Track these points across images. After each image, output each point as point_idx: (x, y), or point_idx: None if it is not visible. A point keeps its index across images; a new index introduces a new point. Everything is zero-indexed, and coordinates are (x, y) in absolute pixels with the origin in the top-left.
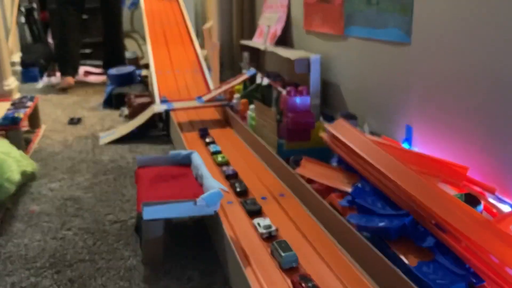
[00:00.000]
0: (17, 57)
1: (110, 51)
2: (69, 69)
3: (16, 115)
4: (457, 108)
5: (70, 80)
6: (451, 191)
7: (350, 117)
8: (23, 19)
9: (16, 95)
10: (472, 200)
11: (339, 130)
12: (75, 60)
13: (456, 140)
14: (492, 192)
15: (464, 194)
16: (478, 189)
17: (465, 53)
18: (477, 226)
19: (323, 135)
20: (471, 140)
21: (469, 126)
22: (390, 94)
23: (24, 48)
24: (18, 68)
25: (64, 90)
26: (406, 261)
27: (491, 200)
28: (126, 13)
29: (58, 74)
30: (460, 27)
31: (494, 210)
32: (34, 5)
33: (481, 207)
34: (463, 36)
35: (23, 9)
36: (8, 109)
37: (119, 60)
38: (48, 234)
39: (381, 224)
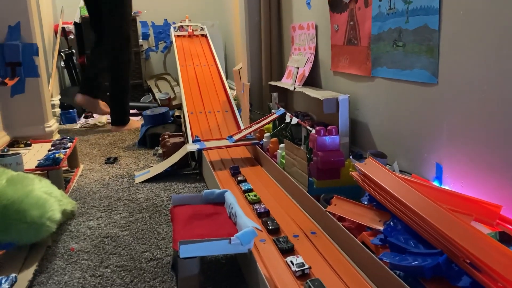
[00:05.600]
0: (56, 99)
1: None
2: (86, 89)
3: (57, 155)
4: (488, 146)
5: (80, 97)
6: (485, 230)
7: (380, 156)
8: (62, 63)
9: (56, 136)
10: (506, 238)
11: (369, 168)
12: (97, 83)
13: (488, 178)
14: None
15: (498, 232)
16: None
17: (493, 91)
18: None
19: (353, 173)
20: (504, 178)
21: (501, 163)
22: (419, 133)
23: (63, 91)
24: (58, 110)
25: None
26: None
27: None
28: (159, 56)
29: (95, 115)
30: (487, 65)
31: None
32: (73, 50)
33: None
34: (490, 74)
35: (62, 54)
36: (49, 150)
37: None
38: (87, 271)
39: (415, 262)
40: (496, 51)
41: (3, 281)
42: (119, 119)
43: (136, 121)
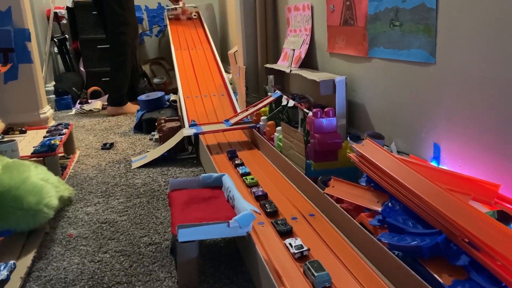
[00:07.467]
0: (51, 86)
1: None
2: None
3: (52, 142)
4: (486, 125)
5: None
6: (483, 209)
7: (377, 137)
8: (55, 49)
9: (52, 123)
10: (504, 217)
11: (367, 150)
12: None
13: (486, 157)
14: None
15: (496, 211)
16: (510, 206)
17: (492, 70)
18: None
19: (351, 155)
20: (502, 157)
21: (499, 142)
22: (417, 113)
23: (57, 77)
24: (52, 96)
25: None
26: (440, 280)
27: None
28: (153, 40)
29: (90, 101)
30: (485, 44)
31: None
32: (66, 35)
33: None
34: (489, 52)
35: (56, 39)
36: (45, 136)
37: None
38: (86, 257)
39: (414, 242)
40: (494, 29)
41: (1, 267)
42: (115, 100)
43: (133, 105)
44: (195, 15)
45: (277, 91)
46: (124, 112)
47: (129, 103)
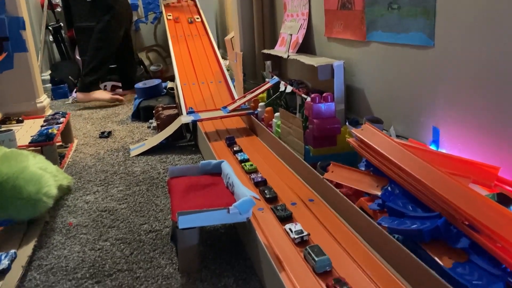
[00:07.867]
0: (47, 75)
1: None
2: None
3: (50, 131)
4: (485, 108)
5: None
6: (483, 191)
7: (376, 121)
8: (50, 38)
9: (48, 112)
10: (504, 200)
11: (366, 134)
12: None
13: (486, 140)
14: None
15: (496, 194)
16: (510, 188)
17: (491, 52)
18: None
19: (350, 140)
20: (501, 140)
21: (498, 125)
22: (416, 97)
23: (53, 66)
24: (49, 85)
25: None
26: (440, 262)
27: None
28: (149, 27)
29: None
30: (484, 26)
31: None
32: (61, 24)
33: None
34: (488, 35)
35: (50, 28)
36: (42, 126)
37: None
38: (86, 245)
39: (414, 226)
40: (493, 11)
41: (2, 257)
42: (83, 86)
43: (104, 92)
44: (197, 18)
45: (274, 77)
46: (93, 98)
47: (100, 90)
